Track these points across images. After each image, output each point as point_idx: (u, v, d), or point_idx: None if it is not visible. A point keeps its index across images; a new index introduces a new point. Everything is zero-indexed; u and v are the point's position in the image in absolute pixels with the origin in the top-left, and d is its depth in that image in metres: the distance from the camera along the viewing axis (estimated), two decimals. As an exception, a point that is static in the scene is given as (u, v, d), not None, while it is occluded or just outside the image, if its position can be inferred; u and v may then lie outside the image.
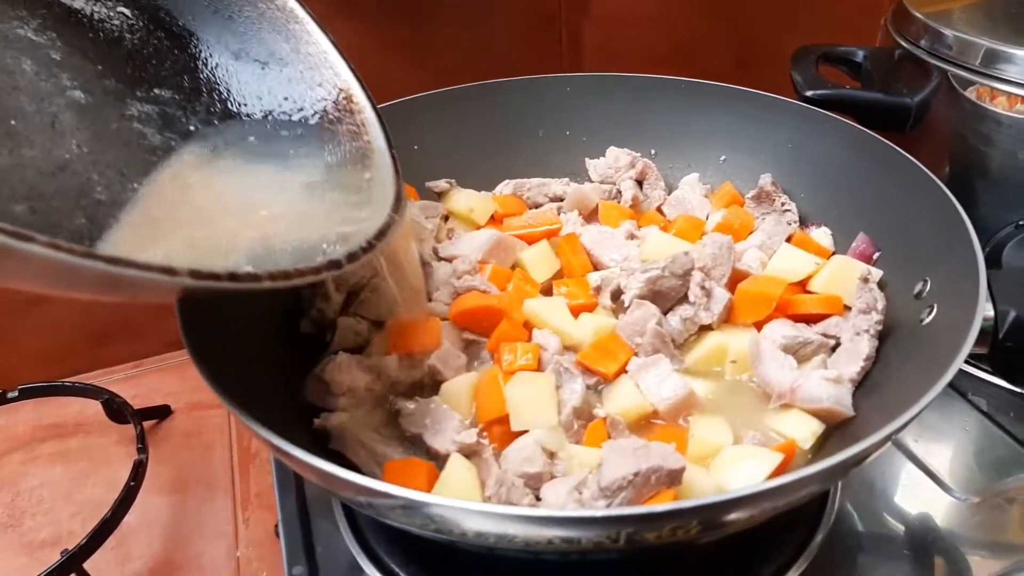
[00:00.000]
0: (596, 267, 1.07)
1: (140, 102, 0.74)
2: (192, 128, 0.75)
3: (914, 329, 0.86)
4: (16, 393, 1.21)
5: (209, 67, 0.81)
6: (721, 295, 0.95)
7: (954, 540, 0.91)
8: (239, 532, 1.10)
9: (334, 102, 0.82)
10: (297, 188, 0.75)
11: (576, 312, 0.98)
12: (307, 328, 0.98)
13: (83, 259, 0.48)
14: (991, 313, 0.78)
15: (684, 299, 0.96)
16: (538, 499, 0.75)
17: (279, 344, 0.94)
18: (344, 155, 0.79)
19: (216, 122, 0.78)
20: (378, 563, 0.87)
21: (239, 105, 0.80)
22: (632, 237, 1.10)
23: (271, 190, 0.74)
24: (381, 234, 0.70)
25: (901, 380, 0.82)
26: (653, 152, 1.26)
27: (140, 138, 0.71)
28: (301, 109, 0.82)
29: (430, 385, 0.91)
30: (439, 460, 0.81)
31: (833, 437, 0.85)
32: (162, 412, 1.28)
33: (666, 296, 0.96)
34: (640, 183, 1.24)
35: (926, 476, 0.97)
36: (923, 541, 0.91)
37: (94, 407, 1.21)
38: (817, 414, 0.84)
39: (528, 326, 0.97)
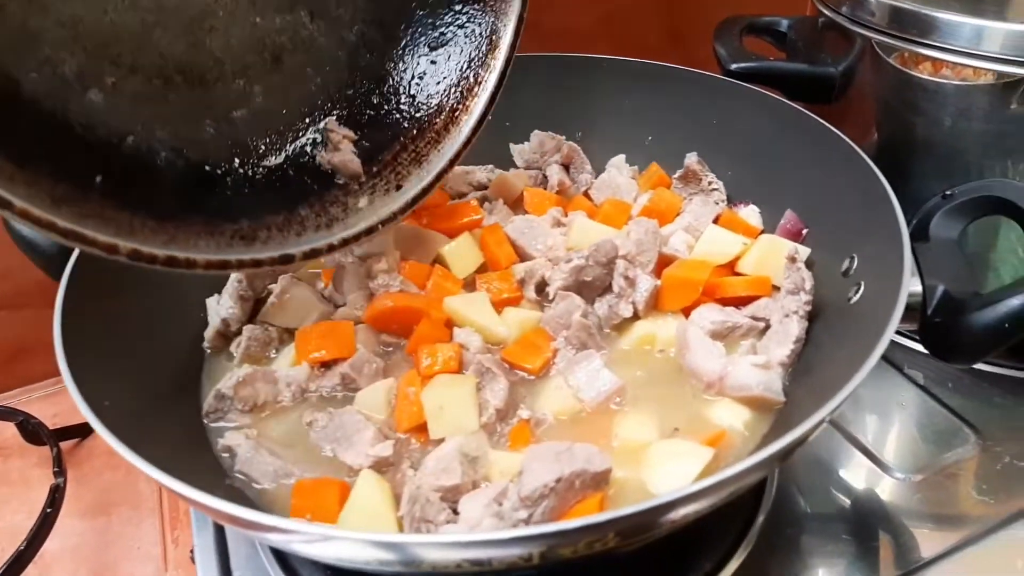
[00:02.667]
0: (522, 258, 1.02)
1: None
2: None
3: (843, 308, 0.84)
4: (-76, 417, 1.14)
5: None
6: (647, 283, 0.91)
7: (899, 517, 0.89)
8: (168, 553, 1.05)
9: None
10: None
11: (500, 307, 0.94)
12: (212, 341, 0.92)
13: None
14: (918, 288, 0.75)
15: (609, 288, 0.92)
16: (456, 512, 0.71)
17: (179, 359, 0.89)
18: None
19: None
20: (299, 585, 0.82)
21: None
22: (558, 224, 1.06)
23: None
24: None
25: (832, 361, 0.79)
26: (579, 135, 1.23)
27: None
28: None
29: (344, 394, 0.86)
30: (353, 475, 0.76)
31: (767, 421, 0.82)
32: (83, 431, 1.22)
33: (592, 286, 0.93)
34: (567, 167, 1.20)
35: (866, 457, 0.95)
36: (867, 520, 0.89)
37: (11, 429, 1.15)
38: (748, 402, 0.81)
39: (450, 324, 0.92)
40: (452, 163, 0.84)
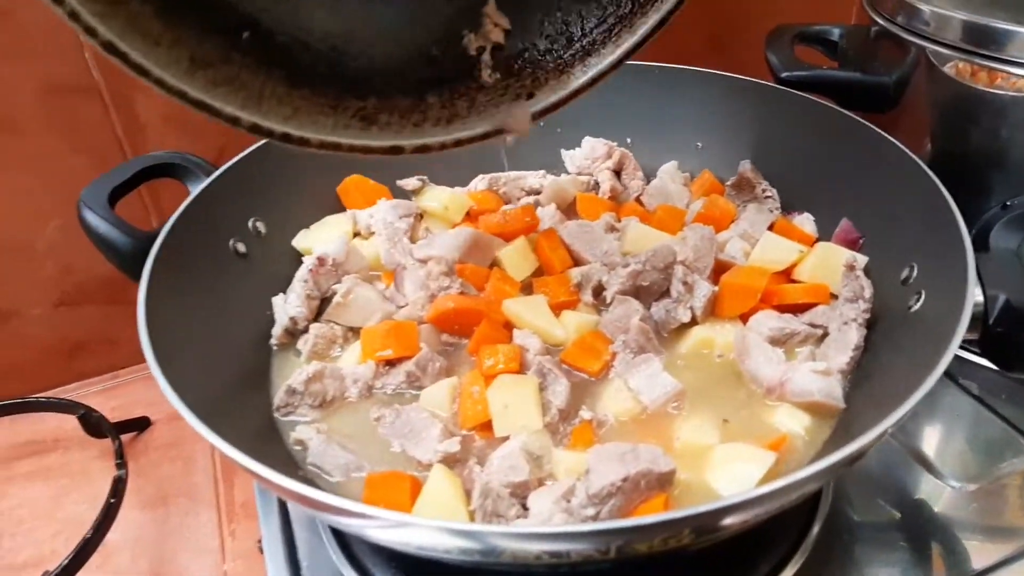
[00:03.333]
0: (576, 262, 1.04)
1: None
2: None
3: (903, 316, 0.85)
4: (-11, 410, 1.17)
5: None
6: (704, 288, 0.93)
7: (952, 527, 0.90)
8: (225, 545, 1.07)
9: None
10: None
11: (557, 310, 0.96)
12: (280, 338, 0.95)
13: None
14: (980, 299, 0.76)
15: (667, 293, 0.94)
16: (525, 508, 0.72)
17: (246, 356, 0.92)
18: None
19: None
20: (365, 576, 0.84)
21: None
22: (612, 230, 1.08)
23: None
24: None
25: (892, 370, 0.80)
26: (629, 141, 1.24)
27: None
28: None
29: (409, 392, 0.88)
30: (422, 469, 0.79)
31: (826, 428, 0.83)
32: (141, 424, 1.25)
33: (649, 290, 0.94)
34: (618, 173, 1.21)
35: (920, 465, 0.95)
36: (920, 529, 0.89)
37: (72, 422, 1.18)
38: (808, 408, 0.82)
39: (509, 326, 0.94)
40: (593, 82, 0.76)
